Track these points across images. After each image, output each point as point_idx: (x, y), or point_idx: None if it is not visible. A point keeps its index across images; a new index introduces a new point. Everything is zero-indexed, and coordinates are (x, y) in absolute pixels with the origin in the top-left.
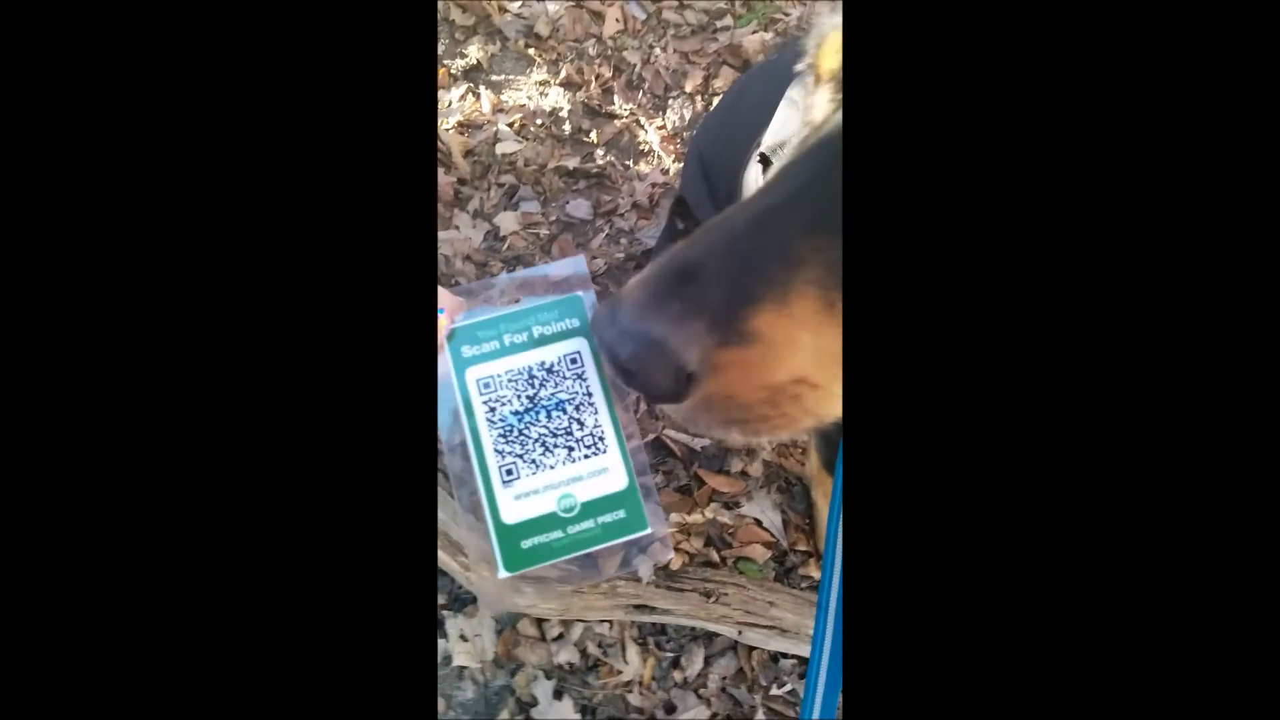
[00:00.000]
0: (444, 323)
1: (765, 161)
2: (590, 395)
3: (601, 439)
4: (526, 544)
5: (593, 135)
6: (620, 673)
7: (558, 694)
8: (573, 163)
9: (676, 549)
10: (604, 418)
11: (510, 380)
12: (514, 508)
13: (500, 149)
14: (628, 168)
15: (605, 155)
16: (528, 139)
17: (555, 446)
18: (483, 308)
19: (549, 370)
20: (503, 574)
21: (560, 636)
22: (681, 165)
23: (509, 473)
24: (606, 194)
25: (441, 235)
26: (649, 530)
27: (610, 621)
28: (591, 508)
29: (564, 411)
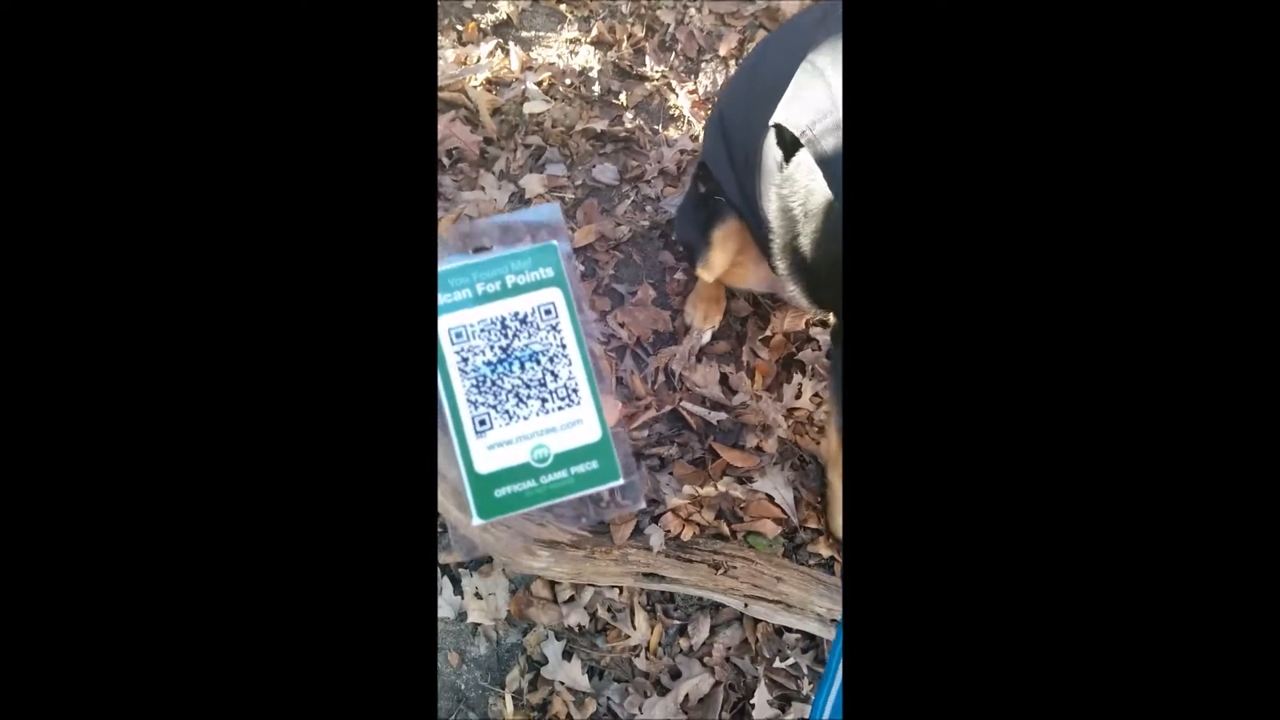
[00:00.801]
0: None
1: (781, 133)
2: (564, 347)
3: (575, 391)
4: (500, 492)
5: (622, 97)
6: (628, 637)
7: (567, 654)
8: (601, 125)
9: (688, 521)
10: (578, 370)
11: (483, 330)
12: (487, 457)
13: (528, 108)
14: (656, 133)
15: (634, 119)
16: (556, 99)
17: (529, 398)
18: (454, 255)
19: (522, 321)
20: (476, 521)
21: (571, 599)
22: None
23: (482, 423)
24: (634, 159)
25: (466, 195)
26: (621, 480)
27: (620, 588)
28: (565, 458)
29: (538, 363)
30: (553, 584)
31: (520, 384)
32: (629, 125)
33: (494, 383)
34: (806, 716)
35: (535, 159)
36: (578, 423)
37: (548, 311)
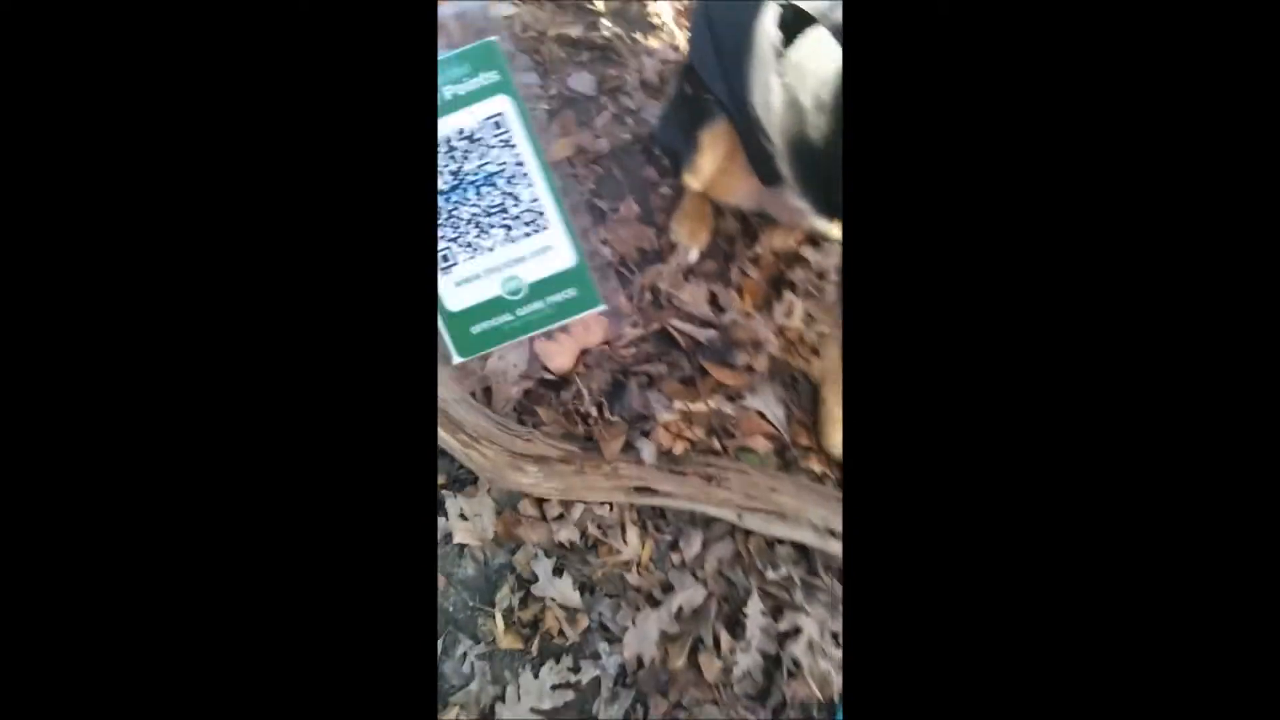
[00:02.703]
0: None
1: (784, 12)
2: (521, 164)
3: (541, 214)
4: (476, 329)
5: (598, 3)
6: (619, 553)
7: (557, 571)
8: (575, 31)
9: (679, 436)
10: (541, 189)
11: None
12: (457, 294)
13: (495, 11)
14: (636, 41)
15: (612, 26)
16: (525, 1)
17: (491, 226)
18: None
19: (471, 139)
20: (456, 359)
21: (561, 516)
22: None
23: (445, 259)
24: (612, 69)
25: None
26: (603, 306)
27: (610, 504)
28: (540, 288)
29: (494, 185)
30: (541, 501)
31: (479, 212)
32: (606, 32)
33: (450, 213)
34: (798, 625)
35: None
36: (548, 249)
37: (497, 124)
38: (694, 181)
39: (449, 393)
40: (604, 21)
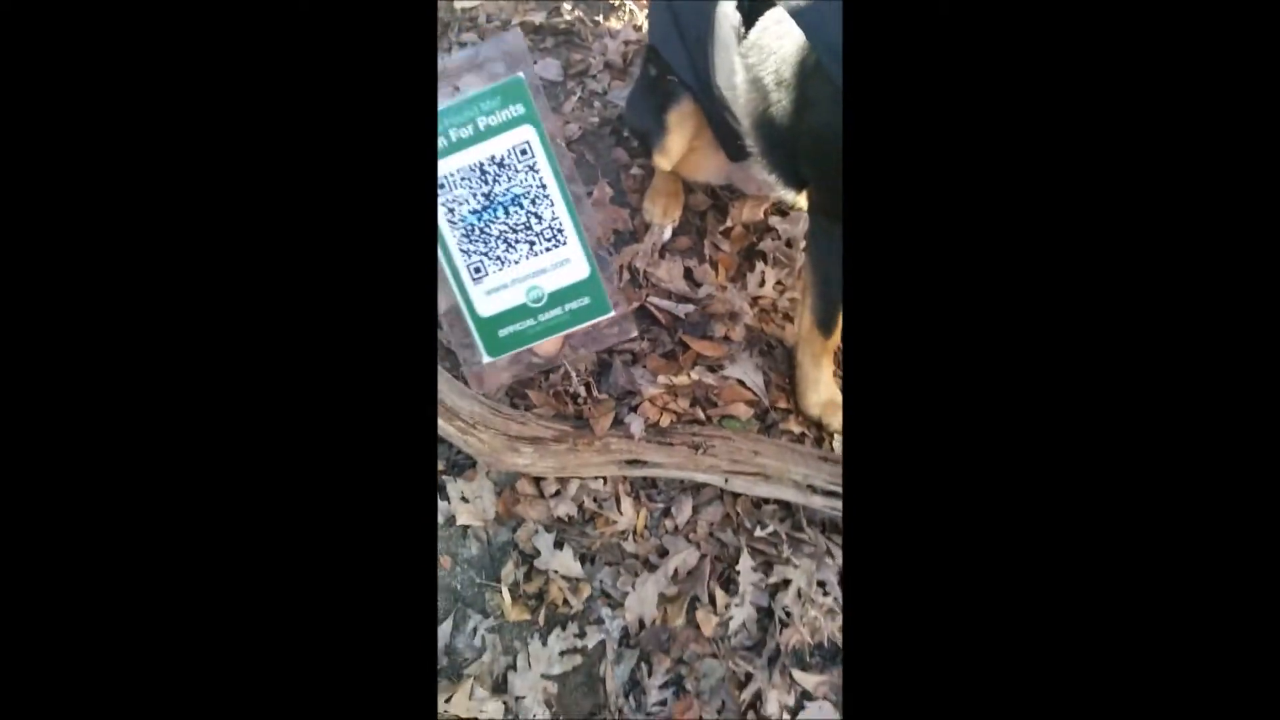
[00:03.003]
0: None
1: None
2: (544, 187)
3: (560, 231)
4: (503, 332)
5: None
6: (615, 523)
7: (558, 544)
8: (538, 18)
9: (664, 409)
10: (560, 209)
11: (463, 178)
12: (487, 302)
13: (460, 4)
14: (598, 24)
15: (573, 10)
16: None
17: (517, 242)
18: None
19: (500, 164)
20: (486, 359)
21: (558, 493)
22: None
23: (477, 270)
24: (576, 53)
25: None
26: (613, 313)
27: (604, 478)
28: (558, 296)
29: (520, 206)
30: (538, 480)
31: (507, 229)
32: (568, 17)
33: (482, 230)
34: (788, 577)
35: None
36: (566, 262)
37: (523, 152)
38: (664, 161)
39: (462, 394)
40: (565, 6)
